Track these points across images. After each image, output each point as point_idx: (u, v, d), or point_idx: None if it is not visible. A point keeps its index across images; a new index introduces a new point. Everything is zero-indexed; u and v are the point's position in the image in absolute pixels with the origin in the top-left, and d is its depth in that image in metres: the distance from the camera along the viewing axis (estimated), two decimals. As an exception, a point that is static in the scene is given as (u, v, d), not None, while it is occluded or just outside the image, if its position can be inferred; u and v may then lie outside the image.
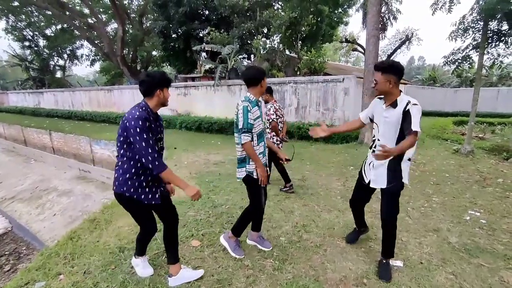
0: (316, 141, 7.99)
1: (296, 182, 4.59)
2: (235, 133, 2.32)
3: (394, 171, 2.12)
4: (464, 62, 6.52)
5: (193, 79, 14.87)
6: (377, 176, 2.21)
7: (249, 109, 2.19)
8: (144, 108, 1.89)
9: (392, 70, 1.97)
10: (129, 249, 2.68)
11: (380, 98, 2.18)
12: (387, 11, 14.45)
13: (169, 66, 24.29)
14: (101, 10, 21.73)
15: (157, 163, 1.80)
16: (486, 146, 6.86)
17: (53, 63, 28.99)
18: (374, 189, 2.30)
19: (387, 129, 2.09)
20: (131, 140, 1.80)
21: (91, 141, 10.36)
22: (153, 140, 1.81)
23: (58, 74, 30.05)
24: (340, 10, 14.76)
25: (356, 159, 5.98)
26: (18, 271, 3.34)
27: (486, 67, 7.25)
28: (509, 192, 4.10)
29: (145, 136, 1.76)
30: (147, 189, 1.96)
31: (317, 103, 8.66)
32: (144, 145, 1.76)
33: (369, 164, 2.27)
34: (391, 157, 1.96)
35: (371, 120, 2.28)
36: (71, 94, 17.58)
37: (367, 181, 2.29)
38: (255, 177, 2.32)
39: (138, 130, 1.75)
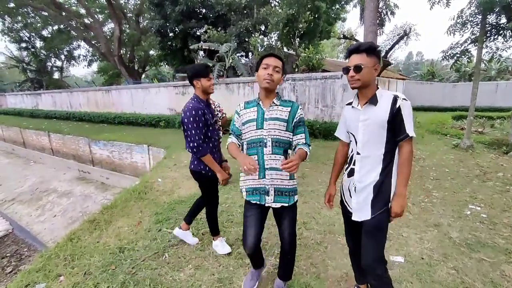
0: (315, 137, 7.98)
1: (296, 179, 4.58)
2: None
3: (381, 196, 1.56)
4: (463, 56, 6.50)
5: (191, 78, 14.77)
6: (360, 204, 1.61)
7: (237, 109, 1.89)
8: (195, 100, 2.25)
9: (377, 52, 1.52)
10: (129, 249, 2.68)
11: (348, 104, 1.71)
12: (384, 6, 14.33)
13: (166, 66, 24.21)
14: (97, 10, 21.56)
15: (200, 148, 2.17)
16: (486, 141, 6.86)
17: (51, 64, 28.82)
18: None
19: (368, 136, 1.55)
20: (185, 128, 2.16)
21: (90, 142, 10.33)
22: (203, 127, 2.17)
23: (56, 75, 29.91)
24: (337, 6, 14.67)
25: (355, 155, 5.97)
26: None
27: (484, 61, 7.23)
28: (509, 186, 4.09)
29: (195, 125, 2.13)
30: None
31: (315, 100, 8.63)
32: (193, 132, 2.13)
33: (348, 188, 1.70)
34: (381, 173, 1.53)
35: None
36: (69, 95, 17.51)
37: (351, 213, 1.69)
38: (243, 197, 1.95)
39: (190, 119, 2.12)
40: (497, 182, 4.28)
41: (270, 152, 1.72)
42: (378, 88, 1.57)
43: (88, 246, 2.80)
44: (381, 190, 1.56)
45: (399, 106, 1.47)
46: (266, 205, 1.80)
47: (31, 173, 11.78)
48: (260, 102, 1.77)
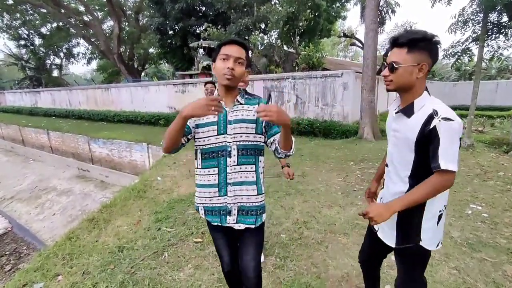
0: (316, 136, 7.96)
1: (296, 178, 4.56)
2: None
3: (407, 228, 1.28)
4: (464, 55, 6.47)
5: (190, 76, 14.75)
6: (386, 224, 1.34)
7: None
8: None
9: (427, 47, 1.13)
10: (128, 248, 2.66)
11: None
12: (385, 5, 14.29)
13: (166, 64, 24.14)
14: (96, 7, 21.48)
15: None
16: (486, 140, 6.84)
17: (50, 62, 28.76)
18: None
19: (396, 151, 1.27)
20: None
21: (89, 140, 10.31)
22: None
23: (55, 73, 29.84)
24: (338, 4, 14.63)
25: (355, 154, 5.96)
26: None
27: (485, 60, 7.20)
28: (510, 186, 4.08)
29: None
30: None
31: (316, 99, 8.60)
32: None
33: (380, 199, 1.46)
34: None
35: None
36: (68, 93, 17.45)
37: (376, 228, 1.45)
38: (202, 215, 1.50)
39: None
40: (498, 182, 4.26)
41: (235, 163, 1.36)
42: (424, 93, 1.19)
43: (87, 245, 2.78)
44: (405, 224, 1.28)
45: (435, 127, 1.09)
46: (227, 225, 1.43)
47: (30, 171, 11.75)
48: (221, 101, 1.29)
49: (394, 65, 1.16)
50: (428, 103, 1.16)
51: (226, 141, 1.35)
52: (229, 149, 1.35)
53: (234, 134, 1.35)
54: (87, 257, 2.54)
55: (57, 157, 12.04)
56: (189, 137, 1.40)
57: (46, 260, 2.54)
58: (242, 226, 1.42)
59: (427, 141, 1.12)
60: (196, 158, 1.44)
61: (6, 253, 6.22)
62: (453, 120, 1.09)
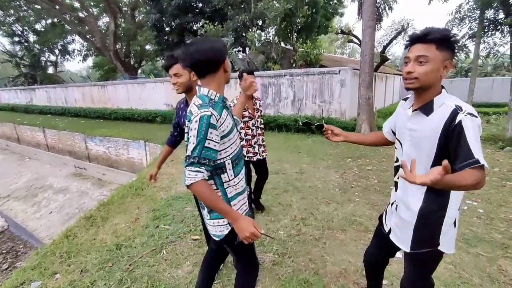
0: (313, 133, 7.96)
1: (294, 175, 4.57)
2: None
3: (426, 230, 1.23)
4: (460, 51, 6.52)
5: (188, 73, 14.61)
6: (400, 228, 1.33)
7: (212, 120, 1.18)
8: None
9: (452, 46, 1.12)
10: (126, 246, 2.65)
11: (405, 99, 1.34)
12: (382, 1, 14.28)
13: (163, 60, 23.93)
14: (91, 3, 21.18)
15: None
16: (482, 136, 6.84)
17: (45, 59, 28.39)
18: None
19: (415, 151, 1.22)
20: None
21: (86, 138, 10.24)
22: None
23: (50, 70, 29.51)
24: (335, 1, 14.57)
25: (353, 151, 5.98)
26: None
27: (482, 57, 7.24)
28: (505, 181, 4.12)
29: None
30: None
31: (313, 96, 8.60)
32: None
33: (391, 204, 1.42)
34: (426, 200, 1.19)
35: (395, 134, 1.43)
36: (64, 90, 17.28)
37: (386, 230, 1.44)
38: None
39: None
40: (493, 177, 4.30)
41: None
42: (443, 91, 1.18)
43: (85, 243, 2.77)
44: (425, 226, 1.22)
45: (460, 122, 1.05)
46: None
47: (26, 169, 11.66)
48: (227, 102, 1.35)
49: (424, 59, 1.10)
50: (448, 100, 1.14)
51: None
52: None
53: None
54: (85, 255, 2.54)
55: (54, 155, 11.95)
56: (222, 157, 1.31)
57: (43, 259, 2.52)
58: None
59: (451, 137, 1.07)
60: (223, 173, 1.31)
61: (3, 251, 6.20)
62: (477, 117, 1.07)
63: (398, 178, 1.35)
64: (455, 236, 1.27)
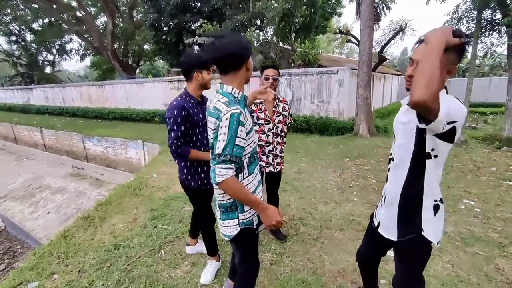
0: (311, 133, 7.98)
1: (292, 175, 4.58)
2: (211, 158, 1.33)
3: (409, 218, 1.29)
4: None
5: (186, 73, 14.59)
6: (387, 218, 1.37)
7: (241, 118, 1.21)
8: (183, 96, 1.95)
9: (459, 49, 1.07)
10: (124, 246, 2.65)
11: None
12: (380, 1, 14.34)
13: (161, 60, 23.89)
14: (89, 3, 21.09)
15: (179, 150, 1.84)
16: (479, 136, 6.93)
17: (42, 58, 28.26)
18: (390, 241, 1.38)
19: (402, 143, 1.27)
20: (168, 128, 1.87)
21: (83, 138, 10.20)
22: (184, 129, 1.84)
23: (47, 70, 29.36)
24: (333, 0, 14.60)
25: (351, 150, 5.99)
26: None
27: (479, 57, 7.28)
28: (502, 181, 4.15)
29: (175, 127, 1.82)
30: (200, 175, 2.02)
31: (311, 95, 8.61)
32: (172, 134, 1.82)
33: (382, 198, 1.44)
34: (404, 189, 1.27)
35: None
36: (62, 90, 17.19)
37: (376, 224, 1.47)
38: (255, 227, 1.47)
39: (171, 119, 1.82)
40: (490, 177, 4.33)
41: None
42: (442, 91, 1.14)
43: (82, 243, 2.76)
44: (409, 211, 1.28)
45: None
46: None
47: (24, 169, 11.60)
48: (247, 102, 1.42)
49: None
50: (443, 100, 1.04)
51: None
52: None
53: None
54: (83, 255, 2.53)
55: (51, 155, 11.89)
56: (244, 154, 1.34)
57: (41, 259, 2.51)
58: None
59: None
60: (241, 171, 1.35)
61: (0, 252, 6.16)
62: (456, 121, 1.06)
63: (388, 171, 1.38)
64: (439, 227, 1.29)
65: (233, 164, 1.21)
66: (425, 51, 0.98)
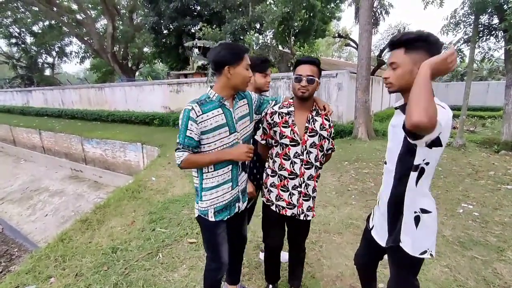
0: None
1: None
2: None
3: (393, 227, 1.28)
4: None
5: (185, 75, 14.68)
6: (379, 222, 1.38)
7: (191, 114, 1.34)
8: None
9: (424, 46, 1.10)
10: (122, 249, 2.64)
11: None
12: (379, 6, 14.45)
13: (161, 63, 23.97)
14: (89, 6, 21.18)
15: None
16: (477, 140, 6.95)
17: (42, 61, 28.27)
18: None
19: (394, 144, 1.27)
20: None
21: (82, 140, 10.19)
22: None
23: (47, 72, 29.36)
24: (332, 4, 14.68)
25: (350, 154, 6.00)
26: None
27: (477, 61, 7.32)
28: (500, 185, 4.16)
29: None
30: None
31: (311, 99, 8.64)
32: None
33: (377, 201, 1.45)
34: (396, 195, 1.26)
35: None
36: (61, 92, 17.20)
37: (370, 226, 1.49)
38: (210, 218, 1.49)
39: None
40: (488, 181, 4.34)
41: None
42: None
43: (80, 246, 2.74)
44: (394, 220, 1.28)
45: None
46: (234, 213, 1.59)
47: (22, 171, 11.56)
48: (226, 102, 1.43)
49: (393, 66, 1.16)
50: None
51: (236, 138, 1.48)
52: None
53: (240, 130, 1.50)
54: (80, 259, 2.51)
55: (50, 157, 11.86)
56: (202, 148, 1.44)
57: (38, 262, 2.50)
58: (244, 204, 1.67)
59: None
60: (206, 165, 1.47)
61: (-3, 255, 6.12)
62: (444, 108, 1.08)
63: (383, 175, 1.38)
64: (420, 239, 1.23)
65: (186, 152, 1.38)
66: (417, 79, 0.99)
